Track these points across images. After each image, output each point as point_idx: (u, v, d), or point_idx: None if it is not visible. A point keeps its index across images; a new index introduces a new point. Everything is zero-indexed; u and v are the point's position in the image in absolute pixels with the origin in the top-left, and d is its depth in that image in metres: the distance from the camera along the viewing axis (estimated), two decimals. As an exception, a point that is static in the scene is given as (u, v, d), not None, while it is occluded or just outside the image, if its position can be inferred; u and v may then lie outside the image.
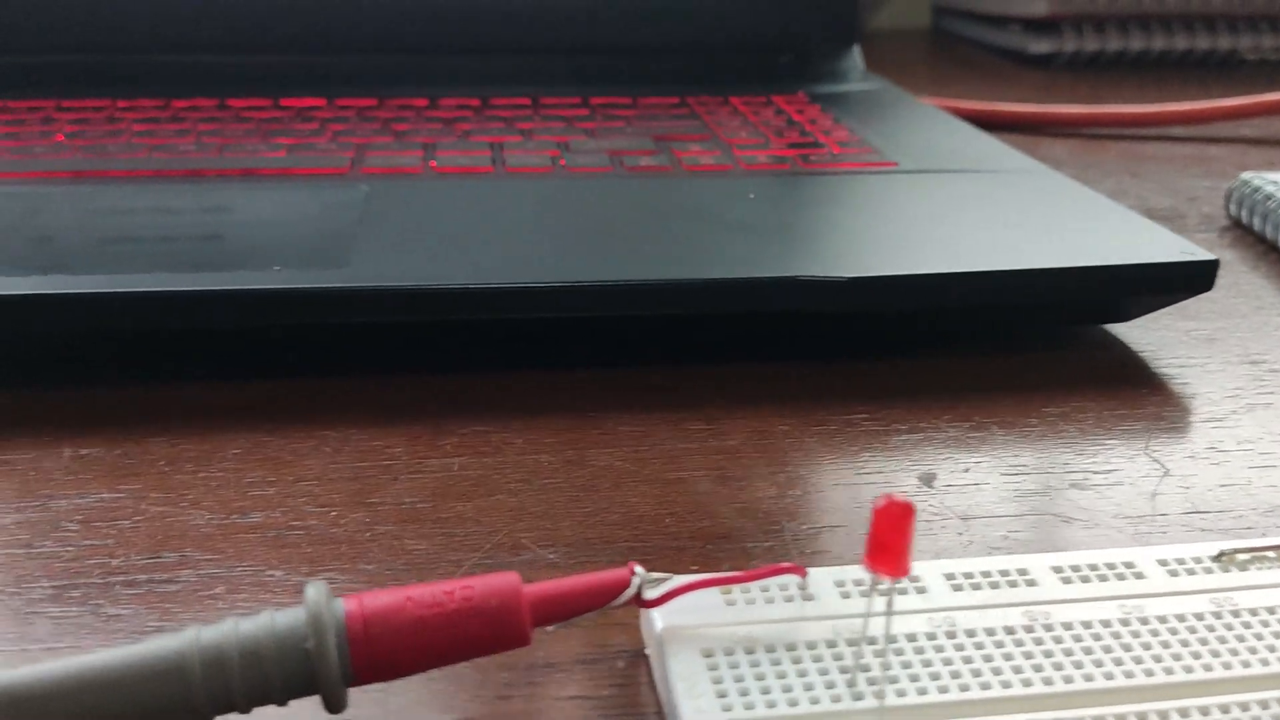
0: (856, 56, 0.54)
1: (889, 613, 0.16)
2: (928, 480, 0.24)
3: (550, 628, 0.18)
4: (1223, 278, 0.33)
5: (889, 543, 0.14)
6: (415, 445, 0.25)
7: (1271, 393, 0.28)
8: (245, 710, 0.16)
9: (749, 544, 0.21)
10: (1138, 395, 0.28)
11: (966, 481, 0.24)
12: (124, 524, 0.22)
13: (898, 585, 0.17)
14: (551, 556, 0.21)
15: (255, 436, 0.25)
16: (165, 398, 0.26)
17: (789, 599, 0.18)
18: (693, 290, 0.27)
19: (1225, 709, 0.16)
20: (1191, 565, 0.19)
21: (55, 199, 0.32)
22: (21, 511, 0.22)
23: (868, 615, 0.16)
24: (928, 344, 0.30)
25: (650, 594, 0.17)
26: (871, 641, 0.17)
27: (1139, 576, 0.19)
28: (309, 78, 0.49)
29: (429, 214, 0.32)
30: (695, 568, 0.21)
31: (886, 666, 0.16)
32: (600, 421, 0.26)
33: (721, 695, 0.16)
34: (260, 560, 0.21)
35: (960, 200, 0.34)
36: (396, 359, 0.28)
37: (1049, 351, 0.30)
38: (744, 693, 0.16)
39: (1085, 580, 0.18)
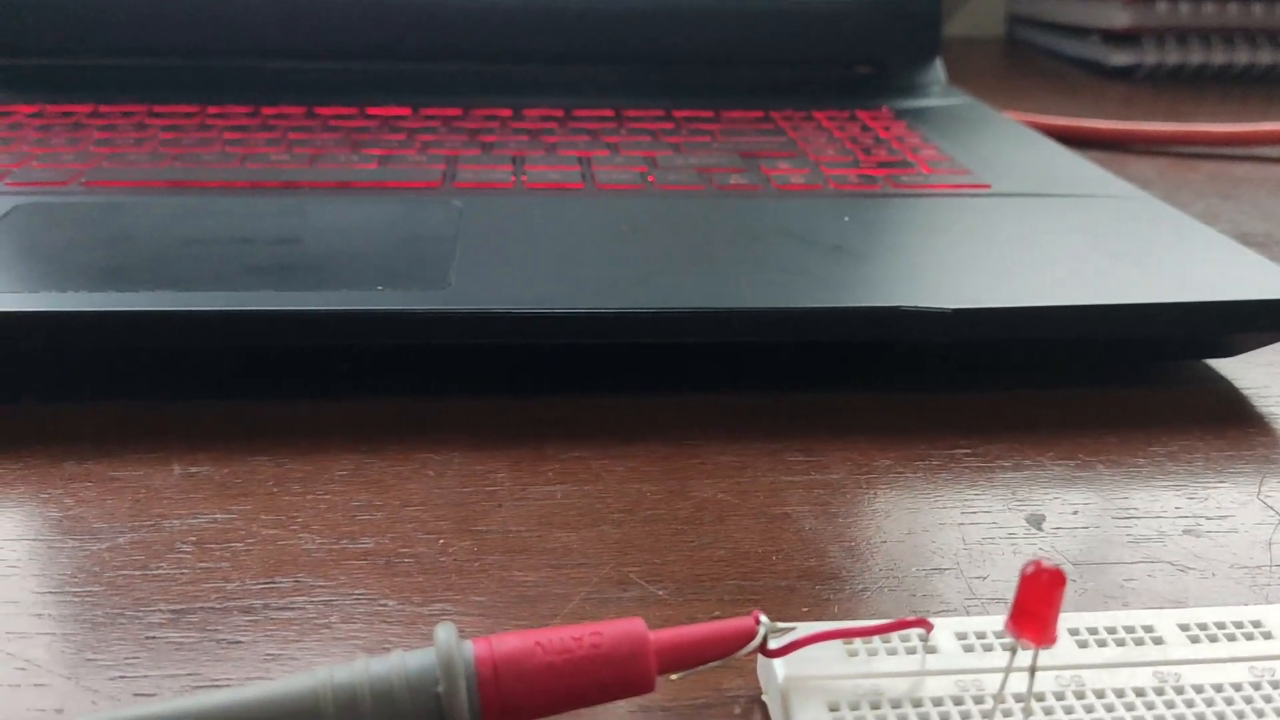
0: (939, 70, 0.53)
1: (1032, 668, 0.16)
2: (1036, 523, 0.23)
3: (674, 675, 0.18)
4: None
5: (1036, 610, 0.14)
6: (517, 470, 0.25)
7: (1385, 436, 0.27)
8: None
9: (858, 586, 0.21)
10: (1244, 435, 0.27)
11: (1076, 524, 0.23)
12: (237, 546, 0.22)
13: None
14: (661, 593, 0.21)
15: (358, 457, 0.25)
16: (267, 415, 0.27)
17: (911, 651, 0.17)
18: (795, 319, 0.27)
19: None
20: (1322, 626, 0.18)
21: (158, 211, 0.32)
22: (136, 531, 0.22)
23: (1007, 672, 0.16)
24: (1024, 375, 0.30)
25: (774, 643, 0.17)
26: (1001, 700, 0.16)
27: (1267, 636, 0.18)
28: (393, 85, 0.49)
29: (524, 233, 0.32)
30: (806, 610, 0.21)
31: (1017, 727, 0.16)
32: (699, 450, 0.26)
33: (850, 752, 0.16)
34: (373, 589, 0.21)
35: (1058, 228, 0.33)
36: (492, 379, 0.28)
37: (1149, 386, 0.29)
38: (872, 750, 0.16)
39: (1213, 640, 0.18)
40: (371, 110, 0.46)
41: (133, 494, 0.23)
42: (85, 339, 0.26)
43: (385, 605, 0.20)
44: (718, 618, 0.20)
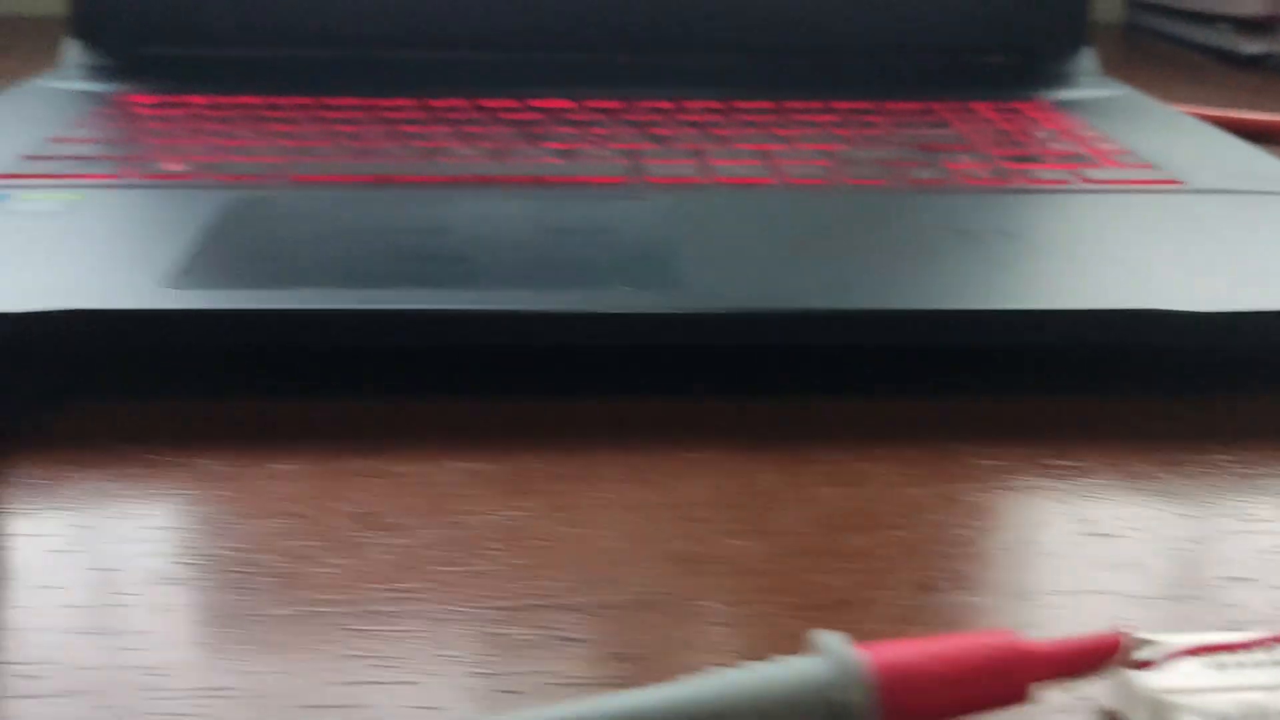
0: (1090, 58, 0.53)
1: None
2: (1319, 530, 0.23)
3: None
4: None
5: None
6: (781, 472, 0.25)
7: None
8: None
9: (1166, 600, 0.21)
10: None
11: (1358, 533, 0.23)
12: (539, 544, 0.22)
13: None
14: (973, 600, 0.21)
15: (626, 457, 0.25)
16: (528, 413, 0.27)
17: (1276, 663, 0.18)
18: (1051, 321, 0.27)
19: None
20: None
21: (375, 206, 0.33)
22: (440, 528, 0.23)
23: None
24: (1259, 381, 0.30)
25: (1143, 655, 0.17)
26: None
27: None
28: (550, 77, 0.49)
29: (740, 230, 0.32)
30: (1115, 620, 0.21)
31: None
32: (956, 454, 0.26)
33: (1247, 768, 0.16)
34: (688, 589, 0.21)
35: (1270, 225, 0.33)
36: (718, 378, 0.29)
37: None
38: (1266, 765, 0.16)
39: None
40: (534, 102, 0.46)
41: (423, 492, 0.24)
42: (353, 337, 0.27)
43: (706, 605, 0.21)
44: (1030, 626, 0.20)
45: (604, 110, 0.45)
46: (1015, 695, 0.17)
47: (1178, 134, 0.43)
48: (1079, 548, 0.23)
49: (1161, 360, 0.29)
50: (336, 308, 0.26)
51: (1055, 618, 0.21)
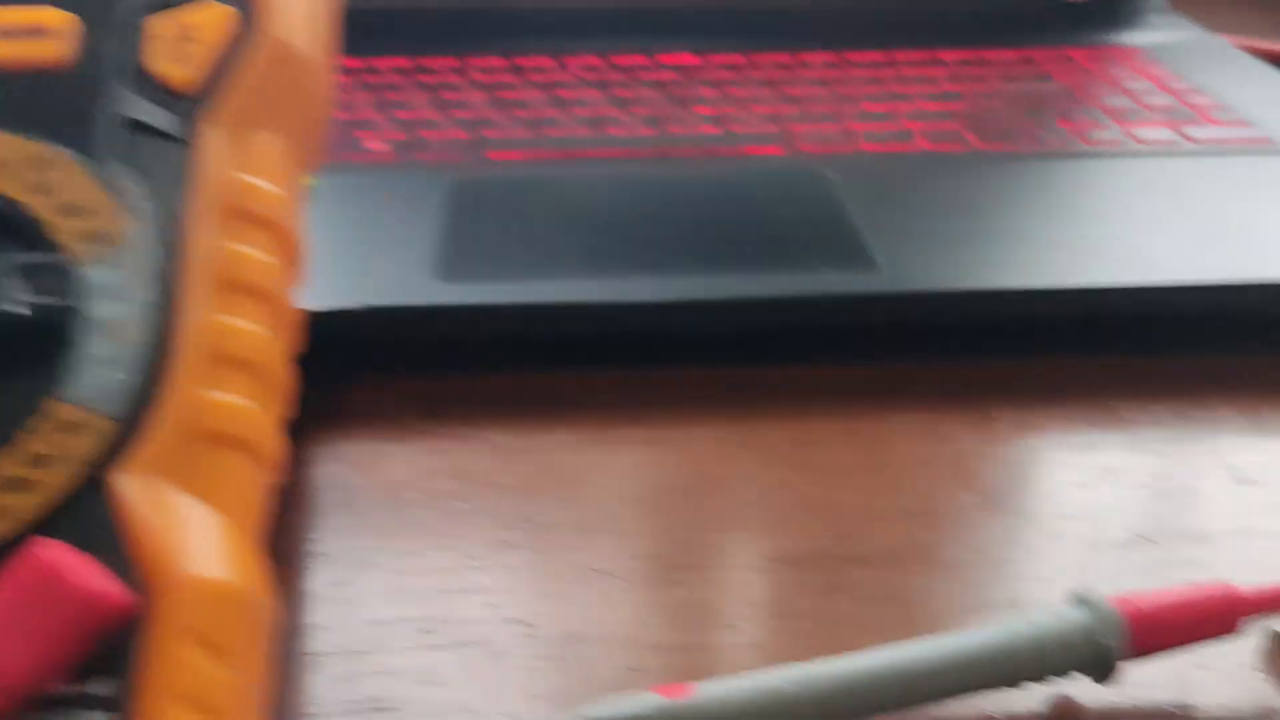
0: (1159, -6, 0.56)
1: None
2: None
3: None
4: None
5: None
6: (978, 432, 0.30)
7: None
8: (1042, 680, 0.21)
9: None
10: None
11: None
12: (793, 504, 0.27)
13: None
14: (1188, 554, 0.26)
15: (841, 421, 0.30)
16: (755, 381, 0.32)
17: None
18: (1230, 293, 0.32)
19: None
20: None
21: (586, 185, 0.37)
22: (708, 496, 0.28)
23: None
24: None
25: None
26: None
27: None
28: (667, 25, 0.52)
29: (906, 203, 0.36)
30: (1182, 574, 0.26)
31: None
32: (1116, 410, 0.31)
33: None
34: (925, 554, 0.26)
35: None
36: (917, 349, 0.33)
37: None
38: None
39: None
40: (663, 58, 0.49)
41: (686, 453, 0.29)
42: (608, 324, 0.31)
43: (947, 554, 0.26)
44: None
45: (728, 67, 0.49)
46: (1229, 629, 0.22)
47: (1258, 84, 0.47)
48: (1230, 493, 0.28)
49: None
50: (599, 300, 0.31)
51: (1221, 557, 0.26)
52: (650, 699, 0.20)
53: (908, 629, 0.24)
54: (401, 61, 0.49)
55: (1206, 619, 0.22)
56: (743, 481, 0.28)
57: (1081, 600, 0.22)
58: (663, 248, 0.33)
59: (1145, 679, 0.23)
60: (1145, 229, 0.35)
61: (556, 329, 0.31)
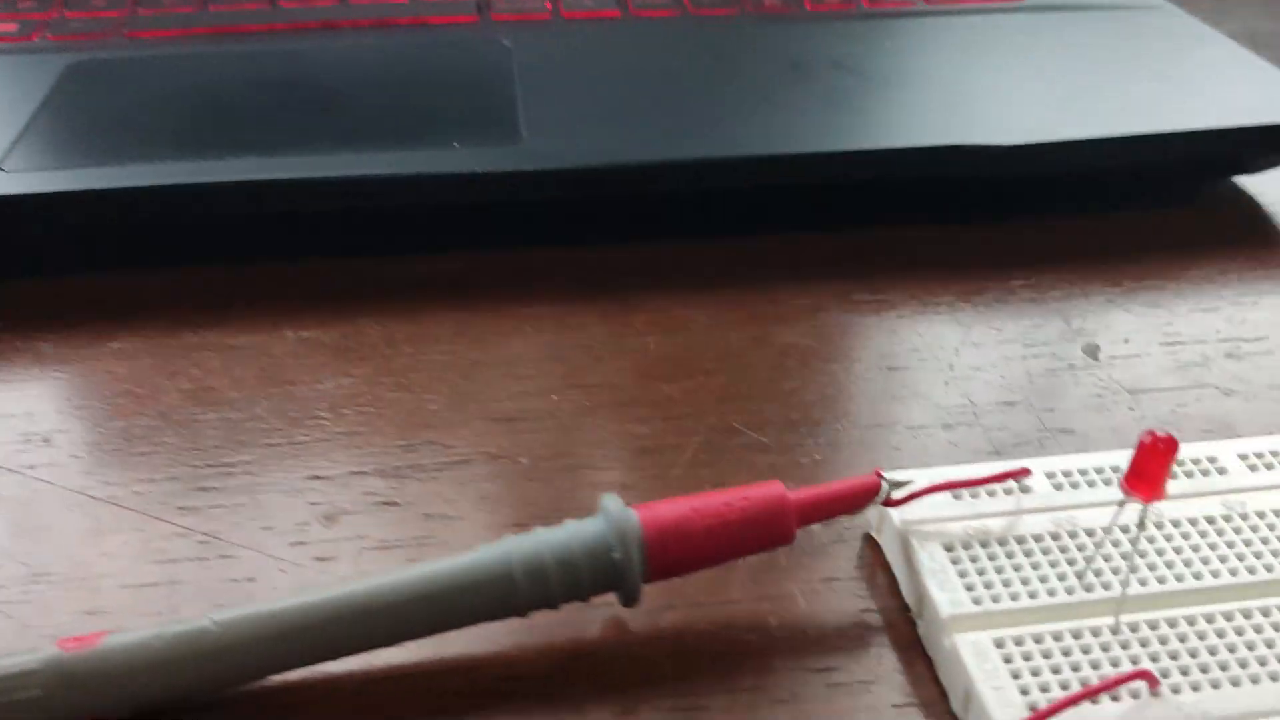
0: None
1: (1141, 520, 0.19)
2: (1092, 353, 0.26)
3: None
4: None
5: (1149, 471, 0.16)
6: (607, 323, 0.26)
7: (1403, 251, 0.29)
8: (556, 606, 0.18)
9: (940, 423, 0.23)
10: (1274, 254, 0.29)
11: (1128, 352, 0.26)
12: (369, 410, 0.24)
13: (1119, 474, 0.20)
14: (764, 440, 0.23)
15: (458, 315, 0.27)
16: (360, 275, 0.28)
17: (1008, 492, 0.20)
18: (867, 160, 0.28)
19: None
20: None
21: (210, 64, 0.33)
22: (270, 399, 0.24)
23: (1124, 523, 0.18)
24: (1058, 201, 0.31)
25: (895, 495, 0.19)
26: (1090, 533, 0.19)
27: (1314, 461, 0.21)
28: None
29: (577, 74, 0.32)
30: (897, 450, 0.23)
31: (1132, 562, 0.19)
32: (774, 294, 0.27)
33: (969, 589, 0.18)
34: (504, 446, 0.23)
35: (1090, 48, 0.34)
36: (559, 230, 0.30)
37: (1179, 208, 0.31)
38: (988, 585, 0.18)
39: (1269, 467, 0.21)
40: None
41: (255, 361, 0.25)
42: (185, 210, 0.27)
43: (521, 463, 0.22)
44: (819, 463, 0.22)
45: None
46: (783, 538, 0.19)
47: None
48: (872, 383, 0.25)
49: (966, 188, 0.31)
50: (158, 183, 0.26)
51: (833, 454, 0.23)
52: (48, 652, 0.17)
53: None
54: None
55: (748, 527, 0.18)
56: (307, 388, 0.24)
57: (604, 510, 0.18)
58: (280, 127, 0.29)
59: (714, 590, 0.19)
60: (838, 93, 0.31)
61: (113, 217, 0.27)
